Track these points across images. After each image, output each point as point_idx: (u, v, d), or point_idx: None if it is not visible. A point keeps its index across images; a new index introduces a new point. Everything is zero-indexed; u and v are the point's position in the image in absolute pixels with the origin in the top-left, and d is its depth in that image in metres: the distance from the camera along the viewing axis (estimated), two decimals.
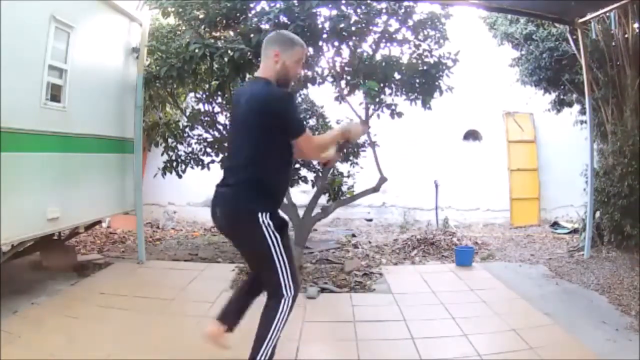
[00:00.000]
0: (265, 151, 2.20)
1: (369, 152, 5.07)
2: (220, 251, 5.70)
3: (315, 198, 4.92)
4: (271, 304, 2.23)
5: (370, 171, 4.93)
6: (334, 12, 4.26)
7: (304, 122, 2.34)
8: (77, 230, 4.83)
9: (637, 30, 5.44)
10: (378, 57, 4.58)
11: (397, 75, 4.56)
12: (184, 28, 4.79)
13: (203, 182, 7.11)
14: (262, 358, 2.18)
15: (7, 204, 3.15)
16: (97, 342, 2.93)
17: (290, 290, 2.22)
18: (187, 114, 5.39)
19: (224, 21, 4.53)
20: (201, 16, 4.50)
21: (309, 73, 4.59)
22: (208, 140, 5.33)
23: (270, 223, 2.17)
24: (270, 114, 2.16)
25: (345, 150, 4.83)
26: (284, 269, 2.21)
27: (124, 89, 4.88)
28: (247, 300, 2.44)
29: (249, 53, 4.23)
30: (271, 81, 2.27)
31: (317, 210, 4.97)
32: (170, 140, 5.44)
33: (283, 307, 2.20)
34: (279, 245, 2.19)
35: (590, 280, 4.42)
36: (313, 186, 5.29)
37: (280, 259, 2.20)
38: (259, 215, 2.15)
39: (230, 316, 2.40)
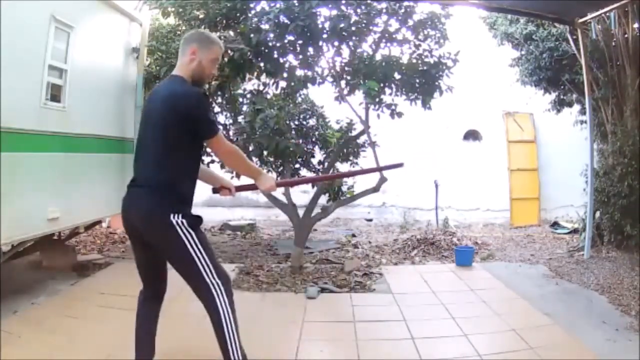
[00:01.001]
0: (176, 154, 2.14)
1: (369, 152, 5.07)
2: (220, 251, 5.69)
3: (315, 198, 4.92)
4: (209, 310, 2.18)
5: None
6: (334, 12, 4.26)
7: (217, 124, 2.29)
8: (77, 230, 4.83)
9: (637, 30, 5.44)
10: (378, 57, 4.58)
11: (397, 75, 4.56)
12: (184, 28, 4.79)
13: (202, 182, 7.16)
14: (235, 358, 2.15)
15: (7, 204, 3.15)
16: (97, 342, 2.93)
17: (219, 287, 2.16)
18: None
19: (224, 21, 4.53)
20: (201, 16, 4.50)
21: (309, 73, 4.60)
22: None
23: (184, 221, 2.11)
24: (182, 113, 2.10)
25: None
26: (205, 267, 2.14)
27: (124, 89, 4.88)
28: (150, 325, 2.38)
29: (249, 53, 4.23)
30: (186, 79, 2.23)
31: (317, 210, 4.97)
32: None
33: (222, 307, 2.15)
34: (195, 243, 2.12)
35: (590, 280, 4.41)
36: (313, 186, 5.29)
37: (200, 257, 2.13)
38: (170, 216, 2.09)
39: (144, 352, 2.33)
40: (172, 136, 2.13)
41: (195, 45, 2.25)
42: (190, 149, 2.21)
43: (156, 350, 2.39)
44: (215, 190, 2.54)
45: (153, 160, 2.17)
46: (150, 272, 2.35)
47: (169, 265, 2.29)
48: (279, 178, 5.36)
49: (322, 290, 4.13)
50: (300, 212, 4.91)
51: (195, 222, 2.16)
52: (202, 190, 2.39)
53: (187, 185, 2.23)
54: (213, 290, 2.15)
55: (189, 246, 2.11)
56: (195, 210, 2.24)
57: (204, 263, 2.14)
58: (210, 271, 2.15)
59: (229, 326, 2.15)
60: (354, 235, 6.85)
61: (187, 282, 2.22)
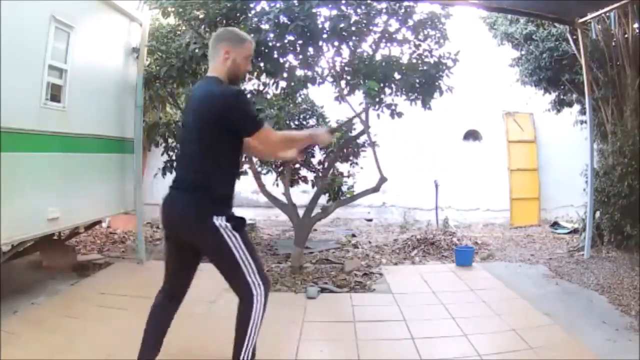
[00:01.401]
0: (214, 155, 2.16)
1: (369, 152, 5.07)
2: None
3: (315, 198, 4.92)
4: (243, 306, 2.19)
5: (370, 171, 4.93)
6: (334, 12, 4.26)
7: (259, 117, 2.36)
8: (77, 230, 4.83)
9: (637, 30, 5.45)
10: (378, 57, 4.58)
11: (397, 75, 4.56)
12: (184, 28, 4.80)
13: None
14: (245, 357, 2.17)
15: (7, 204, 3.15)
16: (97, 342, 2.93)
17: (260, 288, 2.19)
18: None
19: (224, 21, 4.52)
20: (201, 16, 4.50)
21: (309, 73, 4.60)
22: None
23: (228, 225, 2.13)
24: (219, 114, 2.12)
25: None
26: (248, 267, 2.17)
27: (124, 89, 4.87)
28: (163, 325, 2.36)
29: None
30: (222, 79, 2.25)
31: (317, 210, 4.97)
32: (170, 140, 5.44)
33: (256, 307, 2.18)
34: (240, 245, 2.15)
35: (590, 280, 4.42)
36: (313, 186, 5.29)
37: (244, 258, 2.16)
38: (213, 219, 2.11)
39: (149, 352, 2.31)
40: (209, 137, 2.15)
41: (227, 44, 2.27)
42: (229, 150, 2.22)
43: None
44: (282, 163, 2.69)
45: (191, 161, 2.21)
46: (181, 273, 2.37)
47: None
48: (278, 178, 5.37)
49: (322, 290, 4.13)
50: (300, 212, 4.91)
51: (239, 223, 2.20)
52: None
53: (226, 186, 2.25)
54: (254, 289, 2.19)
55: (233, 249, 2.14)
56: None
57: (247, 264, 2.18)
58: (253, 271, 2.19)
59: (255, 326, 2.19)
60: (354, 235, 6.84)
61: (227, 281, 2.25)
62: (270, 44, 4.33)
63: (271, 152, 2.66)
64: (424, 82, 4.59)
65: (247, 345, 2.17)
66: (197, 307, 3.62)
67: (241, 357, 2.17)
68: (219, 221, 2.12)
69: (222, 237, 2.12)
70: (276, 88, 4.84)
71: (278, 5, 4.22)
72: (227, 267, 2.20)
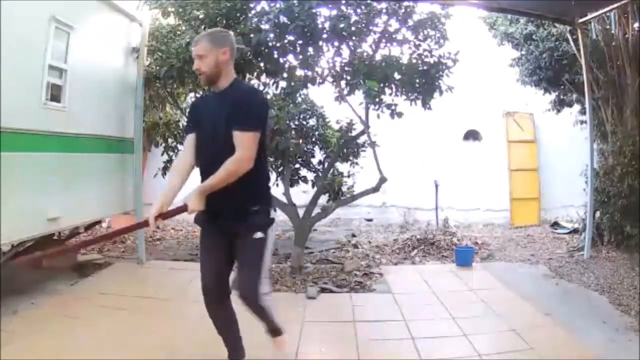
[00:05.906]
0: None
1: (369, 152, 5.06)
2: None
3: (315, 198, 4.92)
4: None
5: (370, 171, 4.93)
6: (334, 12, 4.26)
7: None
8: (77, 230, 4.83)
9: (637, 30, 5.45)
10: (378, 57, 4.58)
11: (397, 75, 4.56)
12: (184, 28, 4.79)
13: None
14: None
15: (7, 204, 3.16)
16: (97, 342, 2.93)
17: None
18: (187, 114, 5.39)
19: (224, 21, 4.52)
20: (201, 16, 4.50)
21: (309, 73, 4.60)
22: None
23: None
24: None
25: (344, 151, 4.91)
26: None
27: (124, 89, 4.87)
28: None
29: (249, 53, 4.23)
30: None
31: (317, 210, 4.96)
32: (170, 140, 5.44)
33: None
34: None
35: (590, 280, 4.42)
36: (313, 186, 5.28)
37: None
38: None
39: None
40: None
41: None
42: None
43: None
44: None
45: None
46: None
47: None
48: (278, 178, 5.37)
49: (322, 290, 4.13)
50: (300, 212, 4.91)
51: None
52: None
53: None
54: None
55: None
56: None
57: None
58: None
59: None
60: (354, 235, 6.84)
61: None
62: (270, 44, 4.33)
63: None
64: (424, 82, 4.59)
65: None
66: (197, 307, 3.61)
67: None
68: None
69: None
70: (276, 88, 4.83)
71: (278, 5, 4.22)
72: None
